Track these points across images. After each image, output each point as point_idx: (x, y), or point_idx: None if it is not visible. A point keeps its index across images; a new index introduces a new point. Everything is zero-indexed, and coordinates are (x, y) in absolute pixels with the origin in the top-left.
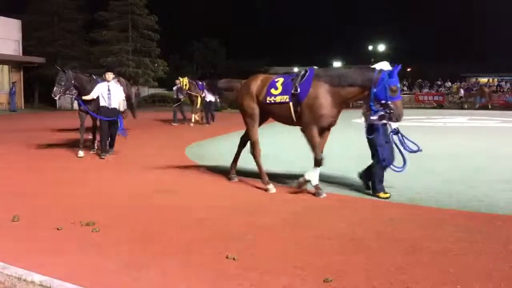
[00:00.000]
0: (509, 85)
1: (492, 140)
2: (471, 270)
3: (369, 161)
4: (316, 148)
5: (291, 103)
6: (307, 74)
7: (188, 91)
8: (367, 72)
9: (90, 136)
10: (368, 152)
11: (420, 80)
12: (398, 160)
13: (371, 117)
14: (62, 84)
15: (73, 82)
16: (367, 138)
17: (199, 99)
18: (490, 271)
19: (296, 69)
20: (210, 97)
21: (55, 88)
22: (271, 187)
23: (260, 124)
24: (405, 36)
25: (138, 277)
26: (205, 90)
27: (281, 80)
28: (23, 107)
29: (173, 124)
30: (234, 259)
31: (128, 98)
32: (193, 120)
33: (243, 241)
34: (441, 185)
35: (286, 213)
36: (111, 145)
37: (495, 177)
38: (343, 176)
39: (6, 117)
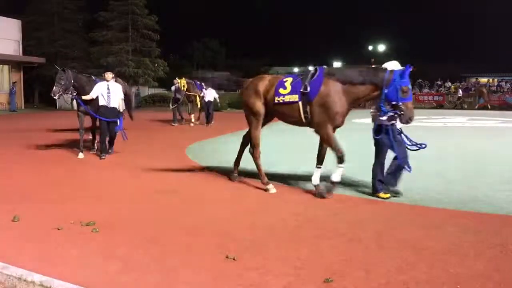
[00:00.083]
0: (509, 85)
1: (492, 140)
2: (471, 270)
3: (372, 162)
4: (336, 145)
5: (300, 103)
6: (317, 72)
7: (187, 92)
8: (379, 72)
9: (90, 137)
10: (368, 152)
11: (420, 80)
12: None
13: (380, 118)
14: (62, 83)
15: (72, 82)
16: (374, 139)
17: (198, 99)
18: (490, 271)
19: (296, 69)
20: (209, 97)
21: (54, 87)
22: (271, 187)
23: (263, 125)
24: (405, 36)
25: (138, 277)
26: (203, 90)
27: (290, 79)
28: (23, 107)
29: (173, 124)
30: (234, 259)
31: (126, 98)
32: (193, 120)
33: (243, 241)
34: (441, 185)
35: (286, 213)
36: (111, 145)
37: (495, 178)
38: (343, 177)
39: (6, 117)
